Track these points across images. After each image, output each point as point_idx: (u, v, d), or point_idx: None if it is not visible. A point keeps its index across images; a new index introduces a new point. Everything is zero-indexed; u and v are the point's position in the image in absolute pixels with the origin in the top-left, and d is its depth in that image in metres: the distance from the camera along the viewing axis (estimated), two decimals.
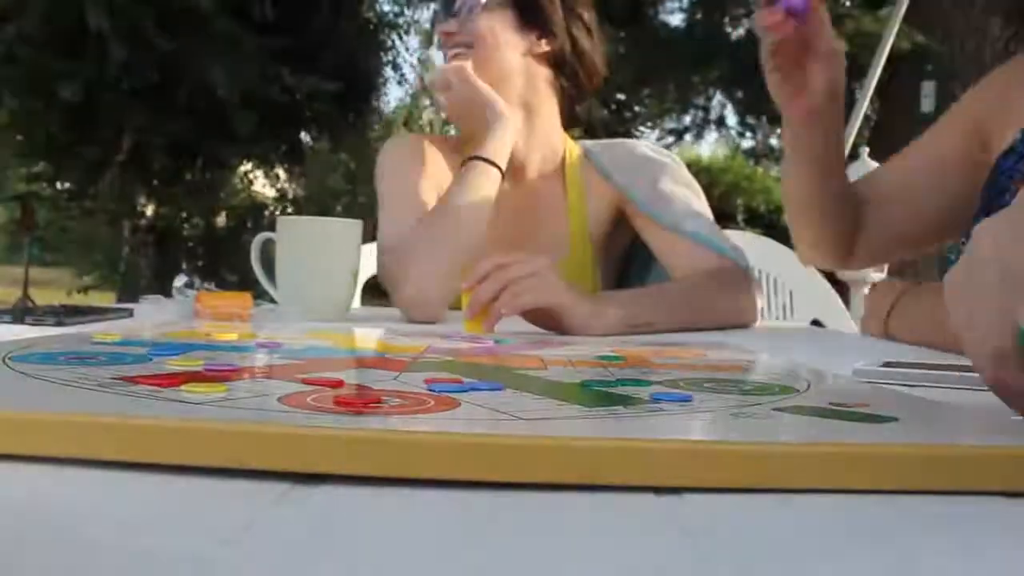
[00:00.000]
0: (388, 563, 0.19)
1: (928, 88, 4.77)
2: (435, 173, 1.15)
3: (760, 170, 10.03)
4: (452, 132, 1.46)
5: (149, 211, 6.66)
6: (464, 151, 1.13)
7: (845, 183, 0.96)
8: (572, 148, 1.19)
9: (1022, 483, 0.26)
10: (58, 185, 6.06)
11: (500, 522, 0.23)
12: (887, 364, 0.46)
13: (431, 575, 0.19)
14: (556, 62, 1.13)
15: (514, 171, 1.14)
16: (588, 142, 1.21)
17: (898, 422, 0.31)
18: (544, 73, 1.13)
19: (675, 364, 0.48)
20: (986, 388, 0.32)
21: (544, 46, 1.12)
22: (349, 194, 9.69)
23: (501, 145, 1.05)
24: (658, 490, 0.25)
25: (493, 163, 1.04)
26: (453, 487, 0.25)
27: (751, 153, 10.66)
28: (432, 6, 1.23)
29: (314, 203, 9.00)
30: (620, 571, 0.19)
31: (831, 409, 0.33)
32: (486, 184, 1.02)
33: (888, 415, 0.32)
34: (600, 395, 0.36)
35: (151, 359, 0.42)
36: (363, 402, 0.31)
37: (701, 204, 1.12)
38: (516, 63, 1.11)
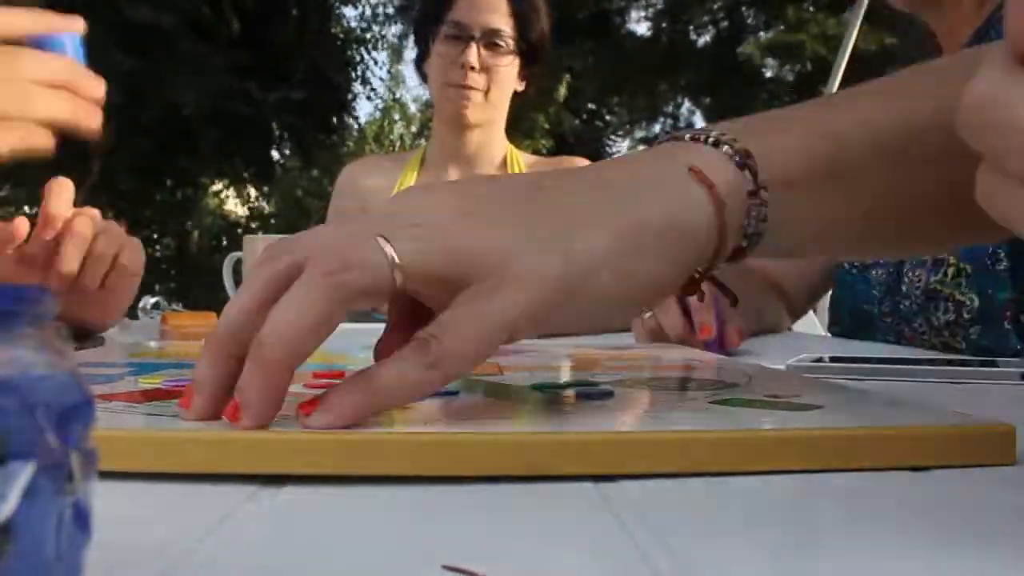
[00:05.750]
0: (346, 550, 0.22)
1: None
2: (374, 192, 1.40)
3: None
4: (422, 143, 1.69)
5: None
6: (422, 160, 1.44)
7: None
8: (513, 151, 1.46)
9: (924, 459, 0.29)
10: (27, 209, 6.00)
11: (449, 512, 0.25)
12: (818, 360, 0.49)
13: (384, 559, 0.21)
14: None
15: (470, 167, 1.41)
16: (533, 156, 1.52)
17: (823, 409, 0.34)
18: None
19: (624, 366, 0.51)
20: (903, 379, 0.34)
21: (523, 85, 1.39)
22: (322, 211, 9.72)
23: None
24: (596, 478, 0.27)
25: None
26: (406, 482, 0.27)
27: None
28: (442, 29, 1.29)
29: (288, 221, 8.98)
30: (557, 549, 0.22)
31: (763, 400, 0.36)
32: None
33: (815, 403, 0.35)
34: (549, 395, 0.38)
35: (123, 378, 0.44)
36: None
37: None
38: (508, 100, 1.39)
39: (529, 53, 1.35)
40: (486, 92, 1.33)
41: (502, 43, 1.31)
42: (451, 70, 1.31)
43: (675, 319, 0.68)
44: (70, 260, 0.67)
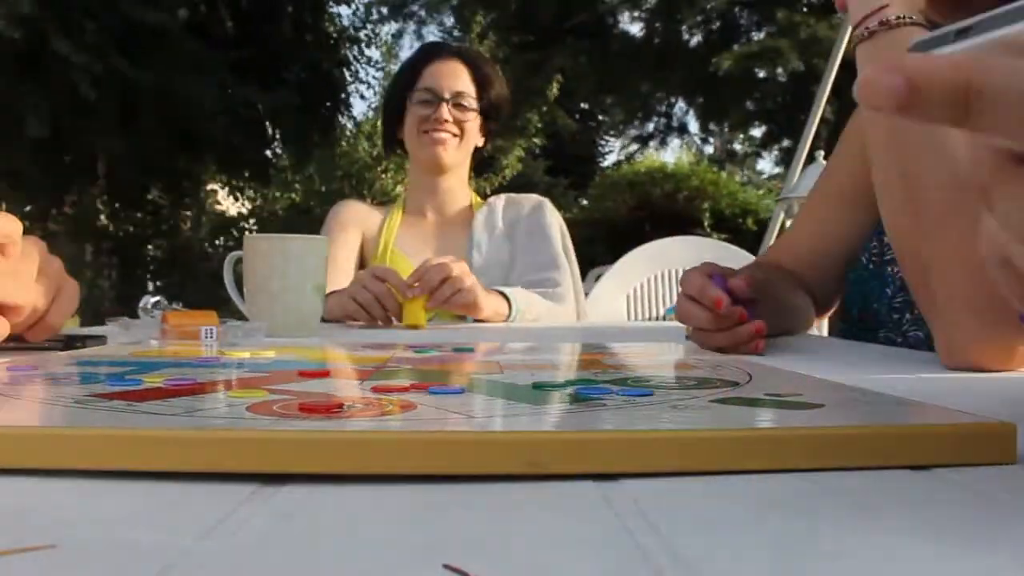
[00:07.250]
0: (346, 550, 0.21)
1: None
2: (355, 237, 1.65)
3: (724, 175, 10.14)
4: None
5: (111, 229, 6.57)
6: (404, 205, 1.71)
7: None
8: (476, 198, 1.73)
9: (924, 458, 0.29)
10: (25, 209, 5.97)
11: (449, 512, 0.25)
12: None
13: (384, 559, 0.21)
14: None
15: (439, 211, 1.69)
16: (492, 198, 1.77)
17: (824, 408, 0.34)
18: None
19: (624, 365, 0.51)
20: None
21: (483, 141, 1.68)
22: (318, 209, 9.67)
23: None
24: (597, 477, 0.27)
25: None
26: (406, 482, 0.27)
27: (714, 158, 10.75)
28: (419, 94, 1.66)
29: (283, 219, 8.96)
30: (557, 549, 0.22)
31: (764, 399, 0.36)
32: None
33: (816, 402, 0.35)
34: (550, 394, 0.38)
35: (123, 377, 0.43)
36: (326, 407, 0.33)
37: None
38: (471, 151, 1.68)
39: (489, 112, 1.66)
40: (458, 138, 1.62)
41: (466, 103, 1.61)
42: (427, 123, 1.61)
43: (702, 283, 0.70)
44: None
